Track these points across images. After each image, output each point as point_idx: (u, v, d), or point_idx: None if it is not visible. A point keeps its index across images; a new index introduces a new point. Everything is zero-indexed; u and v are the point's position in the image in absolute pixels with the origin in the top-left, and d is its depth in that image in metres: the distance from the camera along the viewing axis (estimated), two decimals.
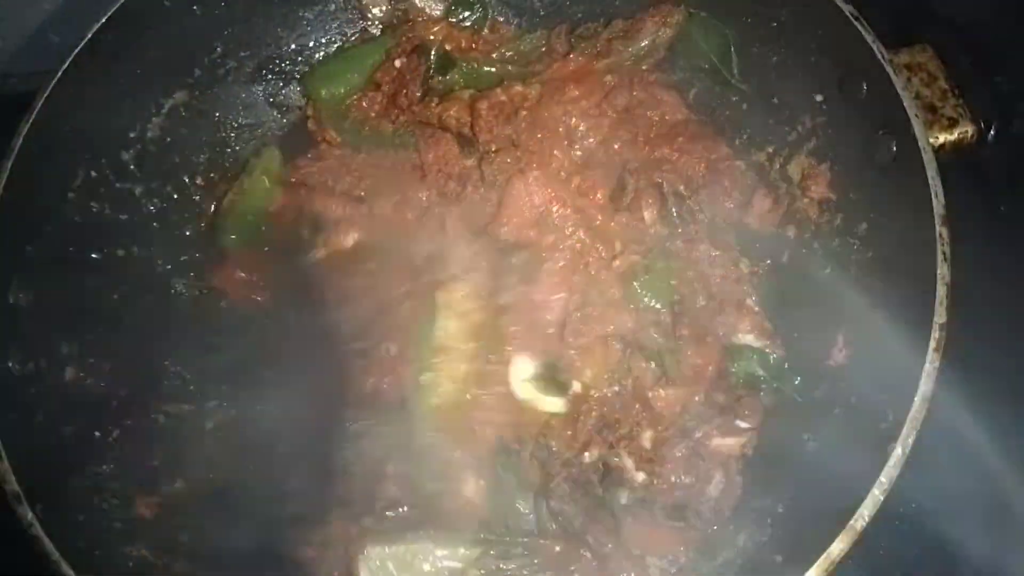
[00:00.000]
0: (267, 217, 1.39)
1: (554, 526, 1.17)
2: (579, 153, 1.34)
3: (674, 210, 1.29)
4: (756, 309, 1.28)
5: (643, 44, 1.39)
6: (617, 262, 1.27)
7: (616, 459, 1.19)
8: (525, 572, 1.13)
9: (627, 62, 1.39)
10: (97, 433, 1.17)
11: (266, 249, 1.38)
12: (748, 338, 1.26)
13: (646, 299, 1.25)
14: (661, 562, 1.13)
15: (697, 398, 1.22)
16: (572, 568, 1.14)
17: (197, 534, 1.15)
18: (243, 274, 1.35)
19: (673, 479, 1.17)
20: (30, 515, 0.95)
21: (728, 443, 1.19)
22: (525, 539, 1.15)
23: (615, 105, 1.35)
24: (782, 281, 1.29)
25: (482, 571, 1.13)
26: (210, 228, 1.40)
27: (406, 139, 1.39)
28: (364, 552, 1.13)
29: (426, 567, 1.11)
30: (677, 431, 1.19)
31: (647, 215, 1.30)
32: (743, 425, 1.19)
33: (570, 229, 1.28)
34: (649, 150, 1.35)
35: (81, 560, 0.96)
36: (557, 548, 1.14)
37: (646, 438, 1.19)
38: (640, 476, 1.18)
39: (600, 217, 1.30)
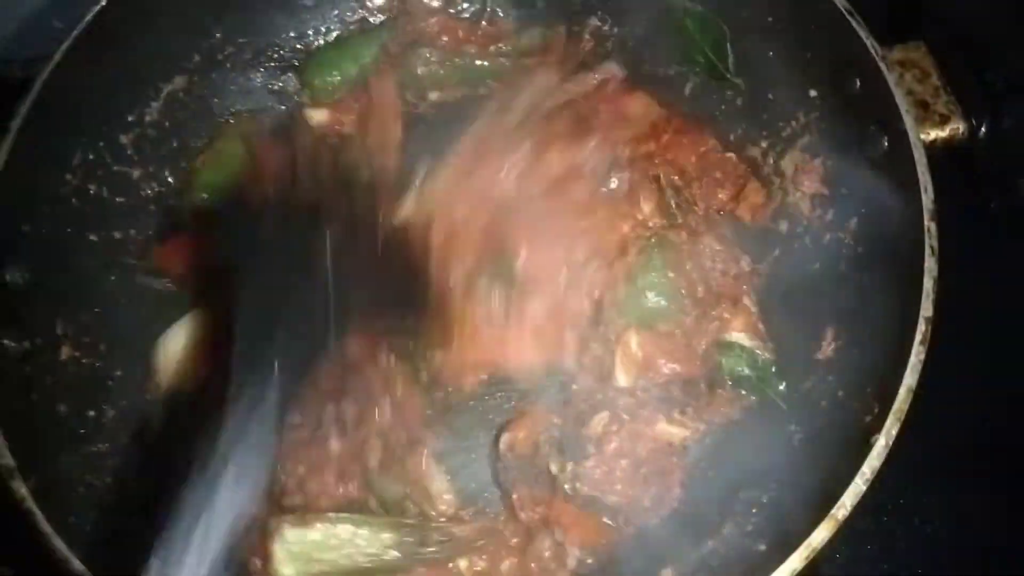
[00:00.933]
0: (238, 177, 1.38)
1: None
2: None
3: (672, 201, 1.30)
4: (752, 309, 1.28)
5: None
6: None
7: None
8: (443, 556, 1.14)
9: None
10: (92, 412, 1.18)
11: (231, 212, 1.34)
12: (740, 336, 1.27)
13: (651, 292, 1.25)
14: (581, 554, 1.14)
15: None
16: (491, 550, 1.15)
17: None
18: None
19: (618, 475, 1.18)
20: (23, 490, 0.96)
21: (672, 431, 1.20)
22: (443, 523, 1.16)
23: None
24: (773, 276, 1.30)
25: (400, 554, 1.13)
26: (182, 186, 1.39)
27: None
28: (281, 534, 1.13)
29: (344, 550, 1.11)
30: (628, 411, 1.20)
31: (646, 208, 1.30)
32: (690, 424, 1.21)
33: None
34: (635, 147, 1.35)
35: (74, 536, 0.96)
36: (476, 530, 1.16)
37: (599, 421, 1.20)
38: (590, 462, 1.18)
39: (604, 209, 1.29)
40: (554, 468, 1.17)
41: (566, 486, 1.17)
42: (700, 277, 1.28)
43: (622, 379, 1.22)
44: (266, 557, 1.13)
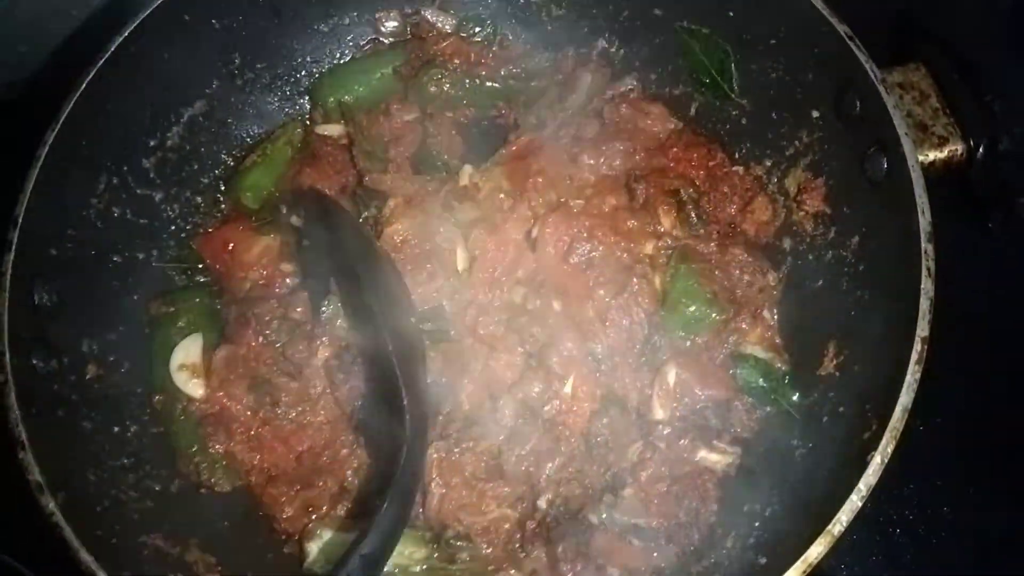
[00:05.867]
0: (281, 184, 1.44)
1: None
2: (586, 175, 1.38)
3: (693, 214, 1.33)
4: (771, 323, 1.31)
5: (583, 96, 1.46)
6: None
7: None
8: (466, 575, 1.17)
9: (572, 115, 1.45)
10: (116, 428, 1.22)
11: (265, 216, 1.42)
12: (756, 349, 1.29)
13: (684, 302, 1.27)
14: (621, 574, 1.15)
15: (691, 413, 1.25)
16: (512, 573, 1.18)
17: (209, 525, 1.21)
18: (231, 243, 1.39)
19: (655, 500, 1.20)
20: (52, 504, 1.00)
21: (712, 458, 1.22)
22: (471, 545, 1.19)
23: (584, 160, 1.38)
24: (780, 292, 1.32)
25: (425, 567, 1.18)
26: (226, 183, 1.45)
27: None
28: (318, 532, 1.20)
29: None
30: (663, 440, 1.22)
31: (666, 221, 1.33)
32: (730, 449, 1.22)
33: (601, 235, 1.30)
34: (647, 159, 1.38)
35: (100, 548, 1.01)
36: (501, 555, 1.19)
37: (633, 451, 1.22)
38: (627, 491, 1.20)
39: (628, 221, 1.32)
40: (594, 519, 1.19)
41: (604, 517, 1.19)
42: (729, 286, 1.30)
43: (659, 413, 1.24)
44: (301, 553, 1.20)
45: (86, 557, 0.99)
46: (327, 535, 1.20)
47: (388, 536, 1.01)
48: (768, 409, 1.26)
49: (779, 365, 1.28)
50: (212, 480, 1.25)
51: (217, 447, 1.26)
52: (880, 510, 1.33)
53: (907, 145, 1.09)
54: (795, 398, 1.24)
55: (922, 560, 1.32)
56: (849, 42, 1.16)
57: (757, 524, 1.14)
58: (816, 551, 0.94)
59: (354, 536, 1.10)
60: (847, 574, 1.30)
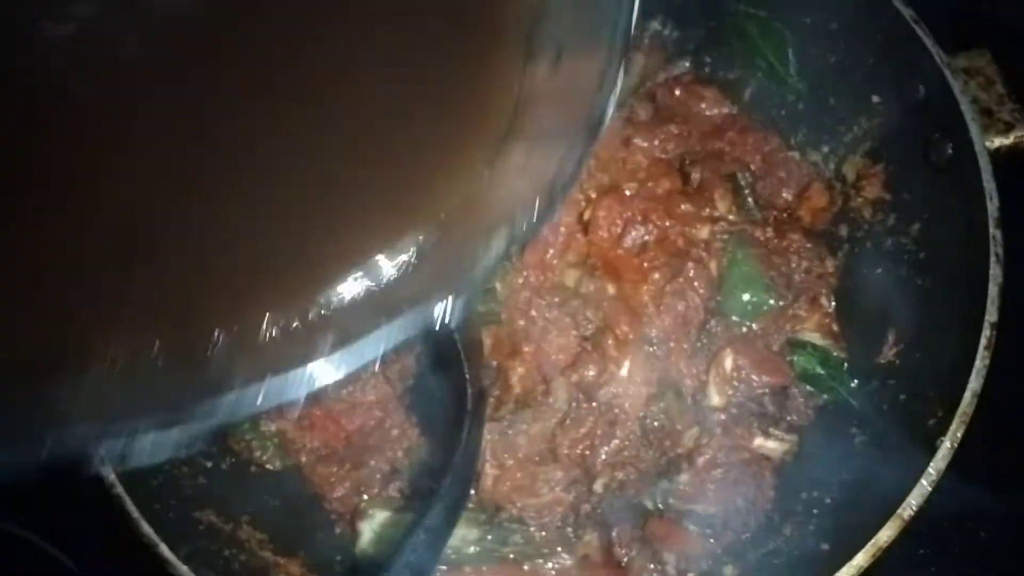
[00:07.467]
0: None
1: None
2: (639, 158, 1.36)
3: (749, 199, 1.31)
4: (828, 309, 1.29)
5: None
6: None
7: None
8: (519, 557, 1.17)
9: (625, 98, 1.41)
10: None
11: None
12: (814, 336, 1.28)
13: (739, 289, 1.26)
14: (678, 561, 1.14)
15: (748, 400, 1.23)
16: (565, 556, 1.17)
17: (259, 503, 1.21)
18: None
19: (712, 486, 1.18)
20: (112, 476, 1.00)
21: (769, 445, 1.20)
22: (525, 527, 1.19)
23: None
24: (838, 279, 1.31)
25: (478, 549, 1.17)
26: None
27: None
28: (370, 512, 1.19)
29: None
30: (720, 426, 1.21)
31: (722, 206, 1.31)
32: (787, 436, 1.21)
33: (656, 218, 1.28)
34: (701, 143, 1.37)
35: (157, 521, 1.00)
36: (554, 538, 1.18)
37: (689, 436, 1.21)
38: (683, 476, 1.19)
39: (682, 205, 1.30)
40: (649, 504, 1.18)
41: (659, 502, 1.18)
42: (786, 272, 1.28)
43: (715, 399, 1.23)
44: (353, 532, 1.20)
45: (147, 529, 0.98)
46: (379, 515, 1.19)
47: (452, 510, 1.01)
48: (826, 397, 1.24)
49: (837, 352, 1.26)
50: (263, 458, 1.24)
51: (269, 425, 1.25)
52: (928, 501, 1.31)
53: (974, 130, 1.08)
54: (854, 386, 1.22)
55: (971, 555, 1.31)
56: (915, 26, 1.14)
57: (816, 511, 1.13)
58: (886, 535, 0.94)
59: (408, 516, 1.10)
60: (893, 564, 1.28)
